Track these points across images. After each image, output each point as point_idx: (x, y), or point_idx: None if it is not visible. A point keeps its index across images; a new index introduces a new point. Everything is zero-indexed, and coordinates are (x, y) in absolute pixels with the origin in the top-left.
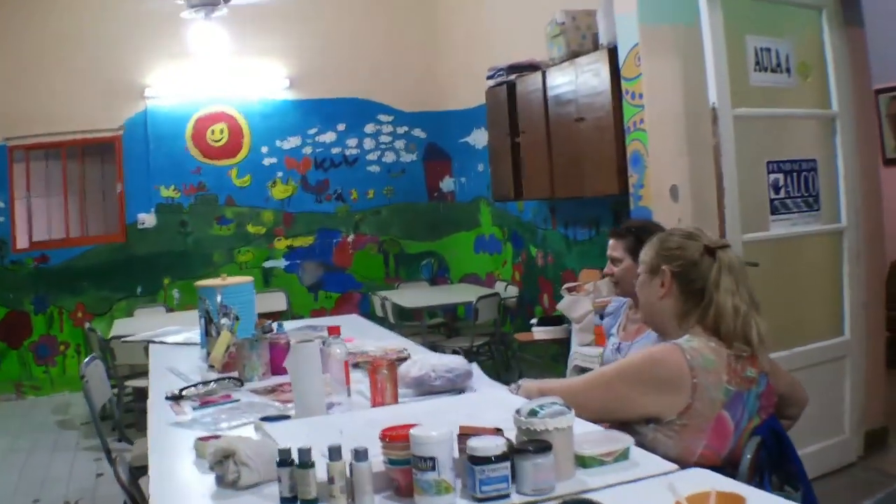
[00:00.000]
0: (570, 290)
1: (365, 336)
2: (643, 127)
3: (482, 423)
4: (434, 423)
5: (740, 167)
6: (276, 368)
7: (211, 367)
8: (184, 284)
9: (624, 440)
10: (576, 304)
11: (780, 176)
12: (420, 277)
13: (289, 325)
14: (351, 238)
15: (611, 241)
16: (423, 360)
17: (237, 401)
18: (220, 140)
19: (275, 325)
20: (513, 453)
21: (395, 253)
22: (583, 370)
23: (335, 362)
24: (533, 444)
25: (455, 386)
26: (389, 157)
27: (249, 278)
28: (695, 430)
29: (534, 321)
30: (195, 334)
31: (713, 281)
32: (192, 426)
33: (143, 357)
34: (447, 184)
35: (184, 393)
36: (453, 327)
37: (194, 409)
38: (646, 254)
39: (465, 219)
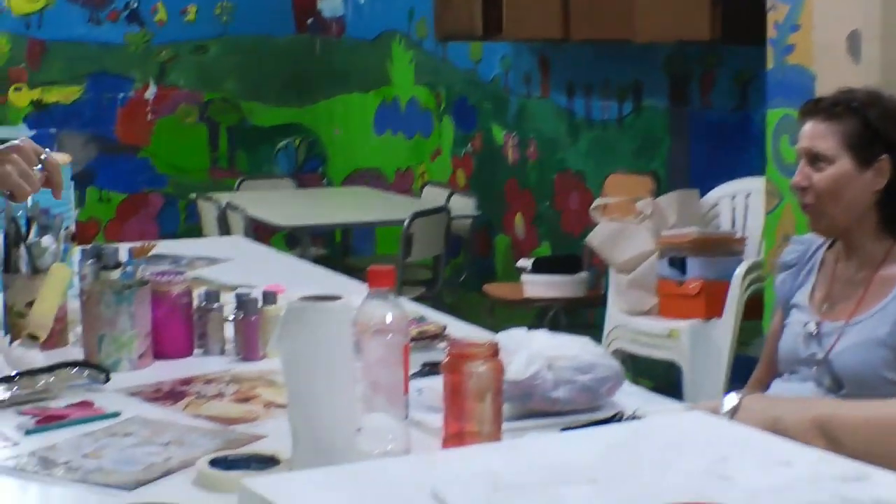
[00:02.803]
0: (604, 210)
1: (300, 284)
2: None
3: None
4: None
5: None
6: (165, 345)
7: (31, 338)
8: None
9: None
10: (621, 238)
11: None
12: (274, 171)
13: None
14: (150, 93)
15: (810, 125)
16: (530, 349)
17: (113, 415)
18: None
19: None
20: None
21: (232, 125)
22: (630, 358)
23: (381, 348)
24: None
25: (591, 403)
26: None
27: (65, 157)
28: None
29: (524, 264)
30: None
31: None
32: (43, 477)
33: None
34: (331, 4)
35: None
36: (347, 265)
37: (26, 432)
38: None
39: (361, 69)
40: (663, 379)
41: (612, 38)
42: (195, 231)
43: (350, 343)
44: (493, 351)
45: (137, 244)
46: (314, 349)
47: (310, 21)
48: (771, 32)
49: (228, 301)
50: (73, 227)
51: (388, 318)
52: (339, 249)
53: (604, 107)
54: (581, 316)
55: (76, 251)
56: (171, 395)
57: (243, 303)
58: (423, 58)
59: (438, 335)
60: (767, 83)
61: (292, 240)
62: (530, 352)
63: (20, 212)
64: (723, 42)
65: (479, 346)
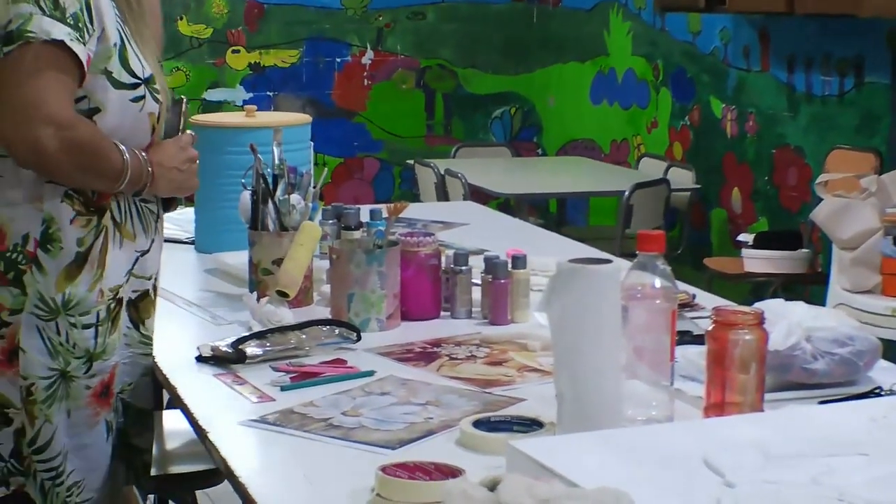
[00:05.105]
0: (826, 186)
1: (538, 249)
2: None
3: None
4: None
5: None
6: (412, 306)
7: (281, 295)
8: None
9: None
10: (845, 215)
11: None
12: (489, 139)
13: None
14: (367, 59)
15: None
16: (790, 320)
17: (369, 374)
18: None
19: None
20: None
21: (448, 92)
22: None
23: (647, 313)
24: None
25: (849, 377)
26: None
27: (306, 117)
28: None
29: (745, 238)
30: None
31: None
32: (302, 433)
33: None
34: None
35: (247, 351)
36: (563, 235)
37: (282, 388)
38: None
39: (577, 39)
40: (884, 358)
41: (837, 12)
42: (409, 196)
43: (618, 307)
44: (759, 319)
45: (390, 205)
46: (584, 312)
47: None
48: None
49: (475, 264)
50: (319, 187)
51: (657, 284)
52: (554, 219)
53: (825, 82)
54: (798, 293)
55: (321, 211)
56: (422, 355)
57: (492, 266)
58: (640, 28)
59: (688, 304)
60: None
61: (506, 208)
62: (789, 322)
63: (268, 169)
64: None
65: (746, 314)
